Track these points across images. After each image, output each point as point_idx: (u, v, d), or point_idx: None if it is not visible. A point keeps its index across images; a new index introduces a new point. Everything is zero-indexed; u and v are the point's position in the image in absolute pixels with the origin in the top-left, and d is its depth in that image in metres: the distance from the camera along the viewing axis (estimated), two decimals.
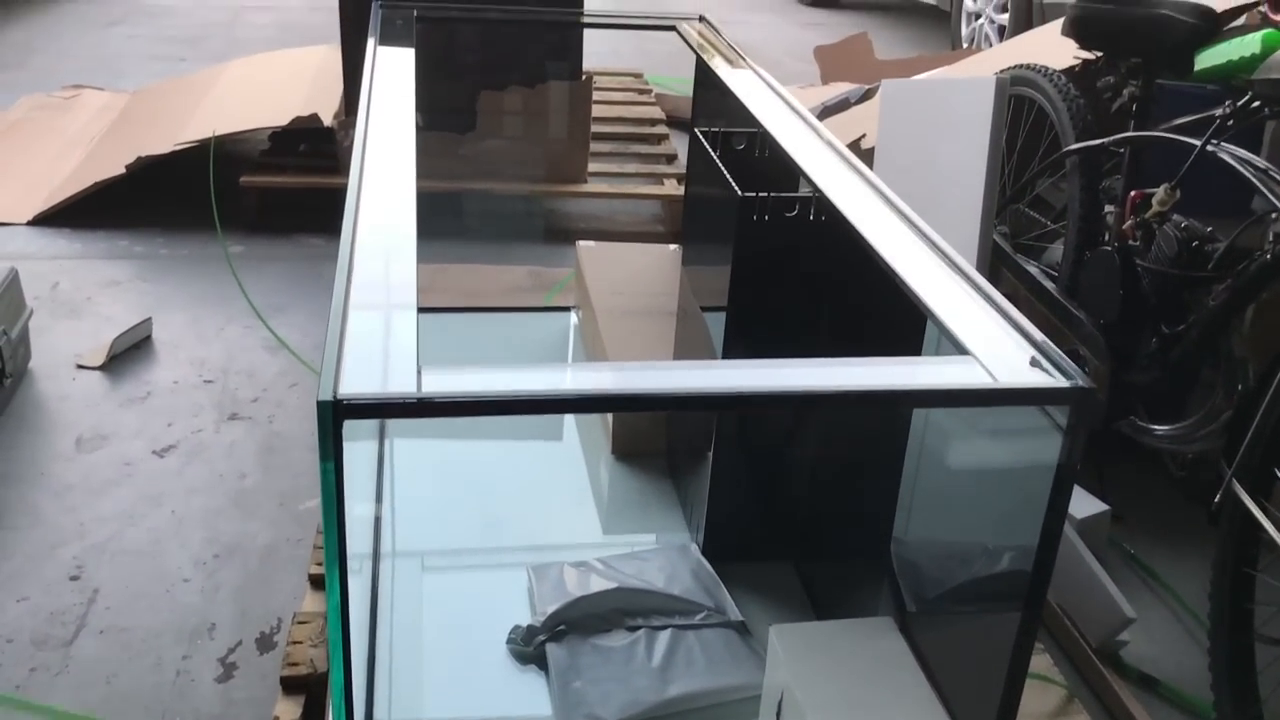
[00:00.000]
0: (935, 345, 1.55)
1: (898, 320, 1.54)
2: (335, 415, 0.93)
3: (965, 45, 5.42)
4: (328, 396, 0.93)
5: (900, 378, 1.06)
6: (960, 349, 1.12)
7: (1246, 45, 2.58)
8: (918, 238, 1.38)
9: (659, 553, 1.81)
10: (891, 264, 1.31)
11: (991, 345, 1.14)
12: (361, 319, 1.10)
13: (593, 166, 3.69)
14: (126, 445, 2.37)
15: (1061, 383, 1.07)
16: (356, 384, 0.96)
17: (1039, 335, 1.15)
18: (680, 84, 4.73)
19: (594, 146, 3.72)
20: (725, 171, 1.76)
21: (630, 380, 1.01)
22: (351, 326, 1.08)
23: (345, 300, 1.13)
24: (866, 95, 4.14)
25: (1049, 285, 2.22)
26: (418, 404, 0.96)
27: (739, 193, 1.68)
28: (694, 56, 2.22)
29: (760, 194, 1.68)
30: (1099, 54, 2.26)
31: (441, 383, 0.98)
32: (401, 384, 0.97)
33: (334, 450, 0.95)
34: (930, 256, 1.34)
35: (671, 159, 3.98)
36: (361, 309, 1.13)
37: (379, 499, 1.83)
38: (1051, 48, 2.82)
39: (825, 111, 4.05)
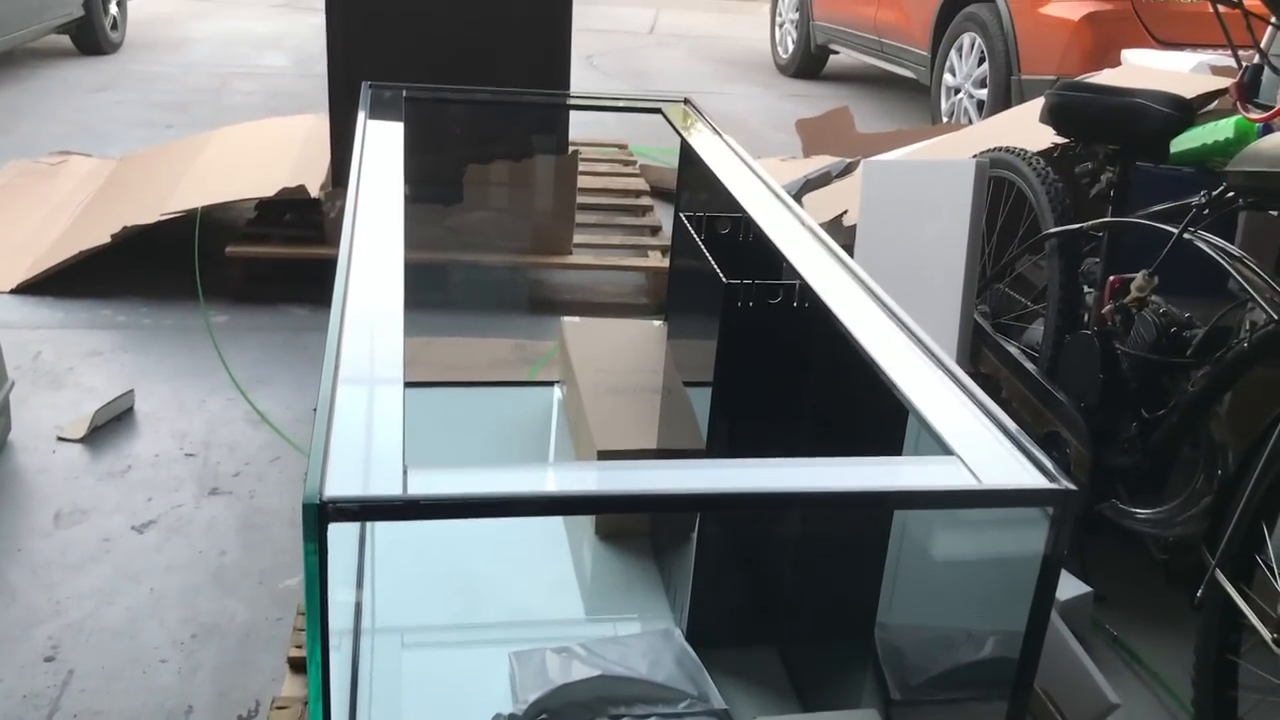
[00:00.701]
0: (917, 434, 1.56)
1: (881, 407, 1.55)
2: (321, 519, 0.93)
3: (945, 119, 5.50)
4: (313, 499, 0.93)
5: (884, 479, 1.07)
6: (944, 448, 1.13)
7: (1220, 130, 2.63)
8: (900, 329, 1.40)
9: (642, 638, 1.80)
10: (874, 357, 1.32)
11: (974, 443, 1.14)
12: (348, 410, 1.10)
13: (578, 238, 3.72)
14: (106, 520, 2.35)
15: (1045, 484, 1.08)
16: (342, 485, 0.96)
17: (1020, 434, 1.16)
18: (664, 154, 4.79)
19: (579, 217, 3.75)
20: (711, 258, 1.78)
21: (614, 481, 1.02)
22: (338, 421, 1.08)
23: (332, 393, 1.13)
24: (848, 169, 4.19)
25: (1029, 366, 2.24)
26: (404, 506, 0.96)
27: (724, 280, 1.69)
28: (676, 134, 2.25)
29: (745, 281, 1.69)
30: (1076, 141, 2.30)
31: (427, 483, 0.98)
32: (387, 485, 0.97)
33: (319, 552, 0.95)
34: (912, 349, 1.35)
35: (655, 230, 4.01)
36: (348, 400, 1.13)
37: (360, 582, 1.82)
38: (1030, 128, 2.87)
39: (807, 185, 4.10)
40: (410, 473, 0.99)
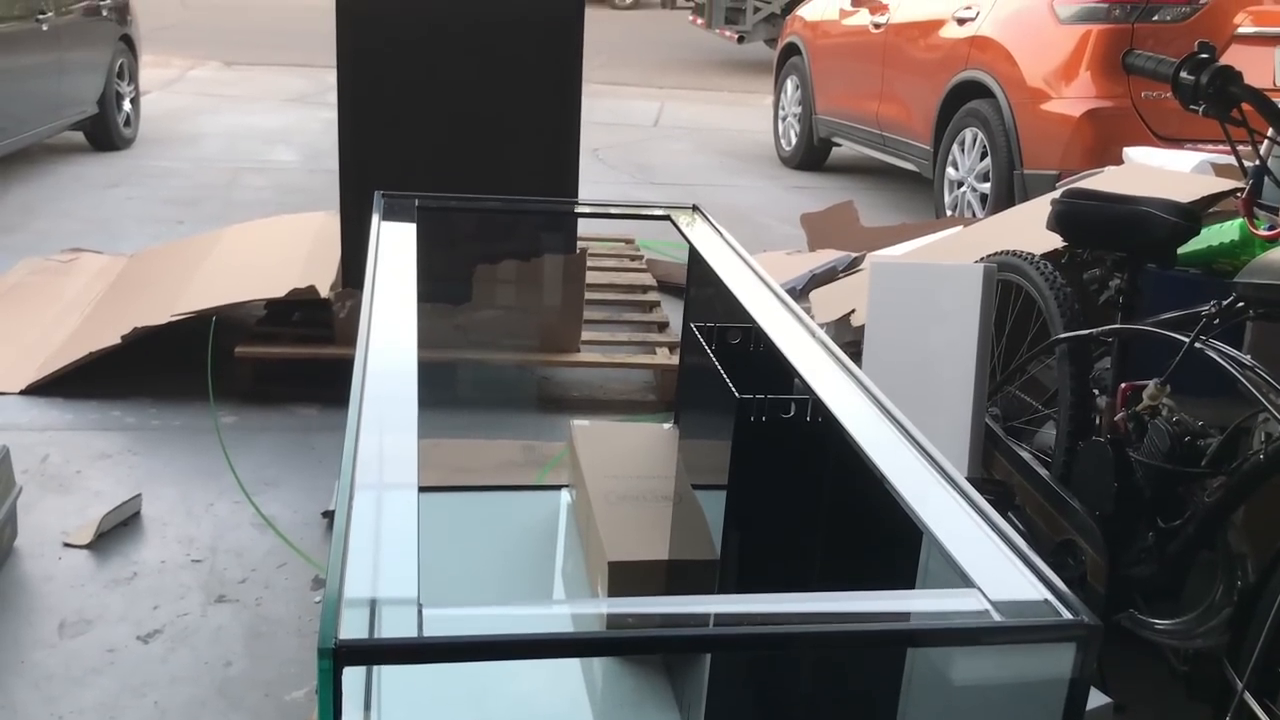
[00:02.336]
0: (928, 554, 1.55)
1: (896, 523, 1.53)
2: (336, 662, 0.92)
3: (949, 213, 5.55)
4: (328, 643, 0.93)
5: (902, 618, 1.05)
6: (963, 578, 1.11)
7: (1225, 232, 2.65)
8: (913, 448, 1.39)
9: None
10: (889, 477, 1.31)
11: (993, 572, 1.13)
12: (363, 533, 1.10)
13: (585, 334, 3.73)
14: (110, 630, 2.32)
15: (1067, 616, 1.06)
16: (357, 627, 0.95)
17: (1039, 561, 1.15)
18: (671, 248, 4.82)
19: (586, 313, 3.77)
20: (722, 371, 1.78)
21: (630, 621, 1.01)
22: (353, 551, 1.07)
23: (346, 529, 1.12)
24: (853, 263, 4.22)
25: (1043, 472, 2.23)
26: (419, 649, 0.95)
27: (737, 395, 1.69)
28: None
29: (758, 396, 1.69)
30: (1083, 249, 2.32)
31: (442, 624, 0.97)
32: (402, 626, 0.96)
33: (334, 696, 0.94)
34: (927, 469, 1.34)
35: (663, 326, 4.03)
36: (364, 519, 1.12)
37: (368, 703, 1.79)
38: (1035, 226, 2.89)
39: (814, 280, 4.13)
40: (425, 613, 0.98)
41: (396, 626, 0.96)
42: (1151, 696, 2.20)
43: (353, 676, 1.21)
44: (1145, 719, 2.15)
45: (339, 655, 0.93)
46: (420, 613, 0.98)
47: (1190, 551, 1.94)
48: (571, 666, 2.04)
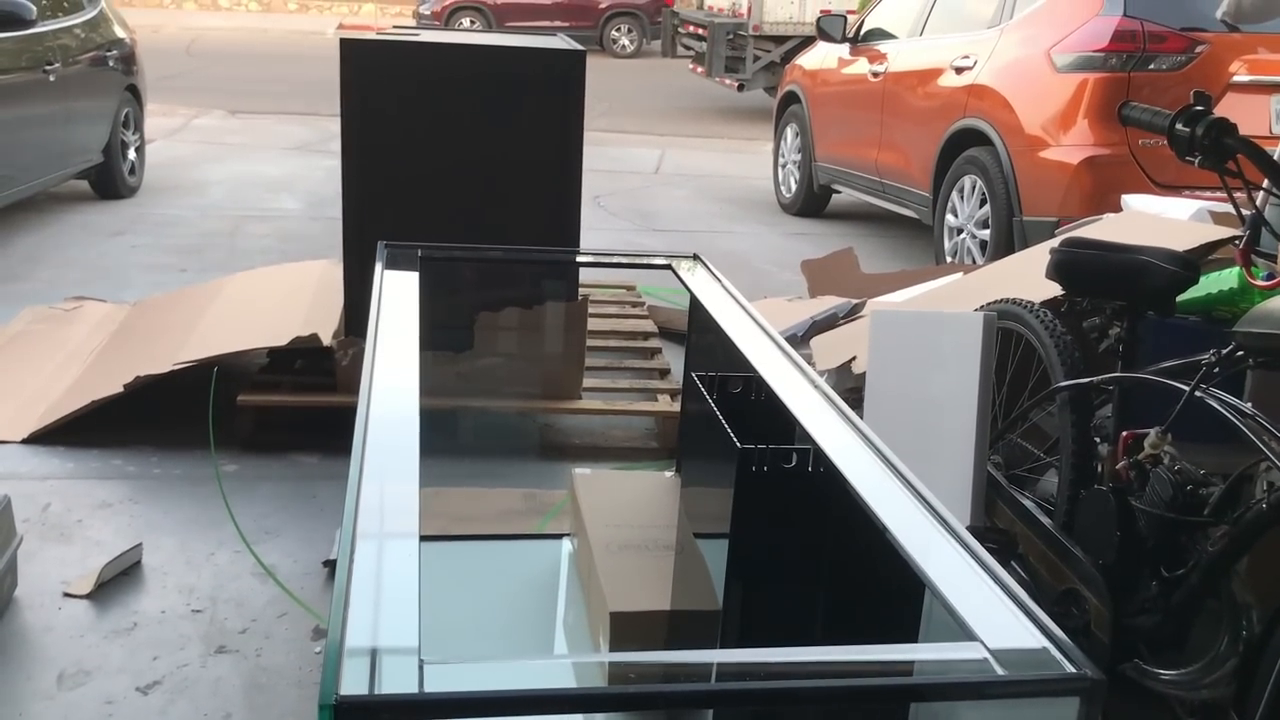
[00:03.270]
0: (930, 607, 1.54)
1: (897, 573, 1.53)
2: (336, 719, 0.92)
3: (948, 259, 5.57)
4: (329, 699, 0.92)
5: (904, 670, 1.05)
6: (966, 632, 1.11)
7: (1224, 280, 2.66)
8: (915, 499, 1.39)
9: None
10: (891, 530, 1.31)
11: (995, 625, 1.13)
12: (364, 584, 1.10)
13: (587, 381, 3.74)
14: (110, 682, 2.31)
15: (1070, 670, 1.06)
16: (358, 683, 0.95)
17: (1042, 614, 1.15)
18: (671, 294, 4.84)
19: (588, 360, 3.77)
20: (724, 421, 1.78)
21: (631, 677, 1.01)
22: (354, 605, 1.07)
23: (348, 580, 1.12)
24: (854, 310, 4.24)
25: (1045, 521, 2.23)
26: (420, 705, 0.95)
27: (738, 445, 1.70)
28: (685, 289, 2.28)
29: (760, 446, 1.69)
30: (1083, 297, 2.33)
31: (443, 680, 0.97)
32: (403, 682, 0.96)
33: None
34: (929, 521, 1.34)
35: (665, 373, 4.03)
36: (365, 571, 1.12)
37: None
38: (1034, 274, 2.90)
39: (814, 327, 4.14)
40: (426, 668, 0.98)
41: (397, 681, 0.96)
42: None
43: None
44: None
45: (339, 712, 0.93)
46: (421, 667, 0.98)
47: (1194, 601, 1.94)
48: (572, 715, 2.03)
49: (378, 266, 2.16)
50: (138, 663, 2.38)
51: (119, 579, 2.69)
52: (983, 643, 1.09)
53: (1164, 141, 2.08)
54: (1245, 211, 2.21)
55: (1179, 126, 1.98)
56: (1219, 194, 3.45)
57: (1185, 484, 1.97)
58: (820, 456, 1.58)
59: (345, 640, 1.01)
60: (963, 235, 5.48)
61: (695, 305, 2.36)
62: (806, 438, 1.61)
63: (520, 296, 3.59)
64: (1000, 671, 1.05)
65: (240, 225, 6.42)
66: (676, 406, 3.55)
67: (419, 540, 1.20)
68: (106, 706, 2.23)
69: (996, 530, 2.33)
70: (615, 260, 2.47)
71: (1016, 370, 2.61)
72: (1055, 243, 2.55)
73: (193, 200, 7.01)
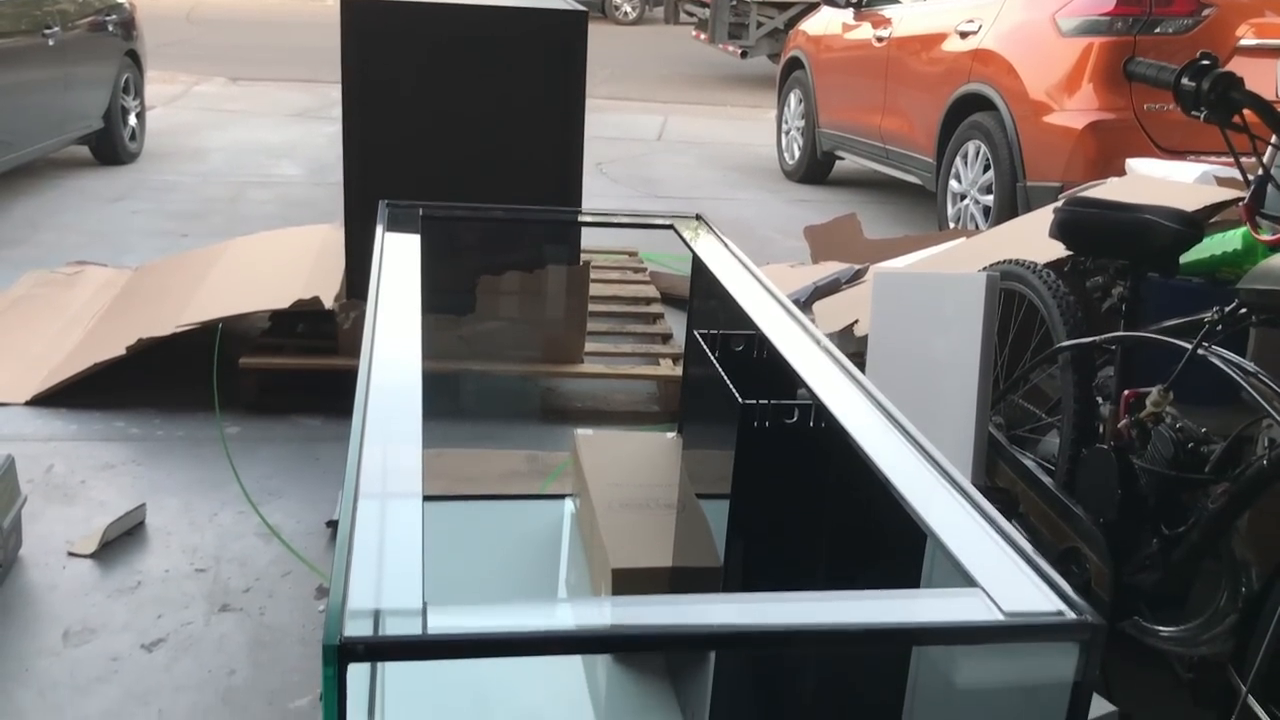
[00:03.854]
0: (933, 556, 1.55)
1: (899, 527, 1.54)
2: (341, 658, 0.93)
3: (951, 225, 5.55)
4: (333, 640, 0.93)
5: (906, 614, 1.05)
6: (966, 579, 1.12)
7: (1228, 241, 2.65)
8: (917, 451, 1.39)
9: None
10: (893, 481, 1.32)
11: (996, 572, 1.13)
12: (367, 537, 1.10)
13: (589, 346, 3.74)
14: (115, 639, 2.32)
15: (1071, 616, 1.06)
16: (362, 625, 0.95)
17: (1043, 562, 1.15)
18: (673, 260, 4.83)
19: (590, 325, 3.77)
20: (726, 377, 1.78)
21: (633, 618, 1.01)
22: (356, 555, 1.07)
23: (352, 526, 1.12)
24: (857, 275, 4.23)
25: (1046, 480, 2.23)
26: (423, 646, 0.95)
27: (740, 400, 1.70)
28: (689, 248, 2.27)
29: (761, 401, 1.69)
30: (1086, 256, 2.32)
31: (446, 621, 0.97)
32: (407, 621, 0.97)
33: (339, 692, 0.94)
34: (930, 472, 1.34)
35: (667, 338, 4.03)
36: (368, 524, 1.12)
37: (371, 709, 1.80)
38: (1038, 237, 2.89)
39: (817, 292, 4.13)
40: (430, 610, 0.98)
41: (401, 622, 0.96)
42: (1156, 704, 2.20)
43: (357, 681, 1.21)
44: None
45: (344, 652, 0.93)
46: (425, 610, 0.98)
47: (1194, 558, 1.94)
48: (575, 673, 2.04)
49: (379, 226, 2.15)
50: (142, 620, 2.39)
51: (123, 539, 2.70)
52: (984, 589, 1.10)
53: (1170, 105, 2.07)
54: (1250, 177, 2.20)
55: (1185, 81, 1.97)
56: (1224, 158, 3.44)
57: (1186, 442, 1.97)
58: (822, 411, 1.58)
59: (349, 583, 1.01)
60: (966, 201, 5.46)
61: (698, 265, 2.35)
62: (809, 393, 1.61)
63: (522, 260, 3.58)
64: (1000, 617, 1.05)
65: (242, 191, 6.41)
66: (678, 371, 3.55)
67: (422, 495, 1.20)
68: (111, 663, 2.25)
69: (997, 490, 2.34)
70: (618, 220, 2.46)
71: (1018, 331, 2.61)
72: (1059, 204, 2.55)
73: (194, 166, 6.99)
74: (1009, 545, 1.19)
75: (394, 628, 0.96)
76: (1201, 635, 1.94)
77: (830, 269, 4.39)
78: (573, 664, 2.07)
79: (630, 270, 4.79)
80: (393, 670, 2.05)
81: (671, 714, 1.95)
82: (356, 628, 0.95)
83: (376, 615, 0.98)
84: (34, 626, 2.36)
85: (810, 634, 0.99)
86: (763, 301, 1.93)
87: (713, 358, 1.91)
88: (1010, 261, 2.58)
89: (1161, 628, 2.02)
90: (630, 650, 1.93)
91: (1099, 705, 2.07)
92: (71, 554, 2.62)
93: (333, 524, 2.75)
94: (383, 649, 0.96)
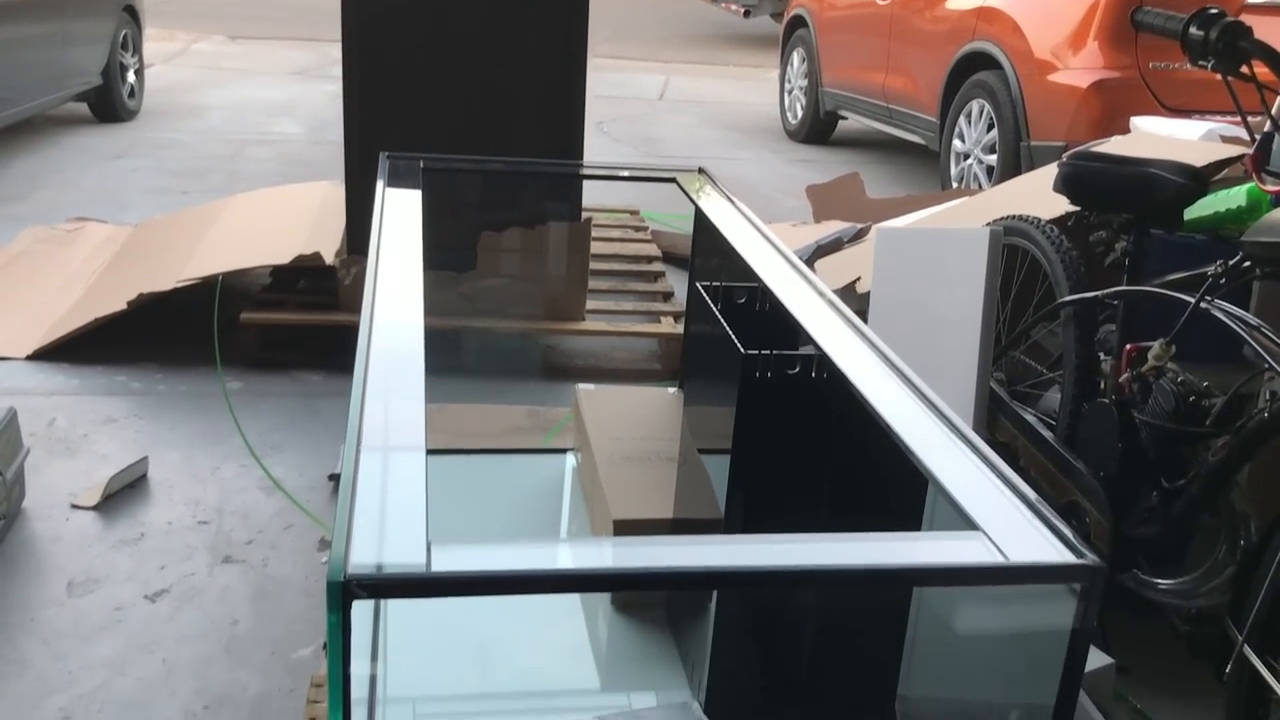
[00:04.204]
0: (934, 504, 1.56)
1: (901, 478, 1.54)
2: (345, 596, 0.93)
3: (954, 185, 5.53)
4: (337, 576, 0.93)
5: (907, 555, 1.06)
6: (968, 522, 1.12)
7: (1233, 198, 2.64)
8: (919, 400, 1.39)
9: (660, 711, 1.78)
10: (894, 428, 1.32)
11: (997, 517, 1.14)
12: (371, 483, 1.10)
13: (590, 304, 3.73)
14: (118, 589, 2.34)
15: (1071, 559, 1.07)
16: (366, 562, 0.96)
17: (1044, 506, 1.15)
18: (675, 219, 4.82)
19: (591, 284, 3.76)
20: (728, 328, 1.78)
21: (636, 558, 1.01)
22: (361, 495, 1.08)
23: (355, 466, 1.12)
24: (859, 234, 4.21)
25: (1047, 435, 2.23)
26: (427, 583, 0.96)
27: (742, 350, 1.70)
28: (690, 203, 2.27)
29: (763, 351, 1.69)
30: (1090, 210, 2.31)
31: (451, 560, 0.98)
32: (411, 561, 0.97)
33: (343, 628, 0.94)
34: (932, 420, 1.34)
35: (668, 296, 4.02)
36: (370, 472, 1.13)
37: (375, 654, 1.81)
38: (1041, 195, 2.88)
39: (819, 250, 4.12)
40: (434, 549, 0.98)
41: (405, 562, 0.97)
42: (1153, 657, 2.21)
43: (360, 623, 1.22)
44: (1146, 679, 2.16)
45: (348, 589, 0.93)
46: (429, 549, 0.98)
47: (1194, 511, 1.95)
48: (576, 622, 2.05)
49: (379, 180, 2.14)
50: (145, 571, 2.40)
51: (125, 491, 2.71)
52: (985, 533, 1.10)
53: (1176, 64, 2.06)
54: (1256, 135, 2.19)
55: (1193, 30, 1.95)
56: (1229, 118, 3.42)
57: (1188, 395, 1.97)
58: (825, 362, 1.58)
59: (353, 523, 1.01)
60: (969, 160, 5.44)
61: (700, 218, 2.34)
62: (811, 343, 1.61)
63: (523, 217, 3.57)
64: (1002, 559, 1.06)
65: (242, 149, 6.38)
66: (679, 329, 3.55)
67: (425, 441, 1.19)
68: (115, 613, 2.26)
69: (998, 445, 2.34)
70: (619, 174, 2.45)
71: (1021, 288, 2.60)
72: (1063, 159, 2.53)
73: (193, 124, 6.96)
74: (1011, 491, 1.19)
75: (398, 566, 0.96)
76: (1200, 588, 1.95)
77: (832, 228, 4.38)
78: (574, 614, 2.08)
79: (631, 229, 4.77)
80: (395, 621, 2.06)
81: (673, 664, 1.96)
82: (361, 566, 0.95)
83: (380, 554, 0.98)
84: (38, 577, 2.37)
85: (812, 574, 0.99)
86: (765, 254, 1.93)
87: (715, 309, 1.91)
88: (1013, 217, 2.57)
89: (1160, 580, 2.03)
90: (632, 589, 1.94)
91: (1096, 657, 2.09)
92: (75, 506, 2.63)
93: (335, 478, 2.76)
94: (387, 587, 0.96)
